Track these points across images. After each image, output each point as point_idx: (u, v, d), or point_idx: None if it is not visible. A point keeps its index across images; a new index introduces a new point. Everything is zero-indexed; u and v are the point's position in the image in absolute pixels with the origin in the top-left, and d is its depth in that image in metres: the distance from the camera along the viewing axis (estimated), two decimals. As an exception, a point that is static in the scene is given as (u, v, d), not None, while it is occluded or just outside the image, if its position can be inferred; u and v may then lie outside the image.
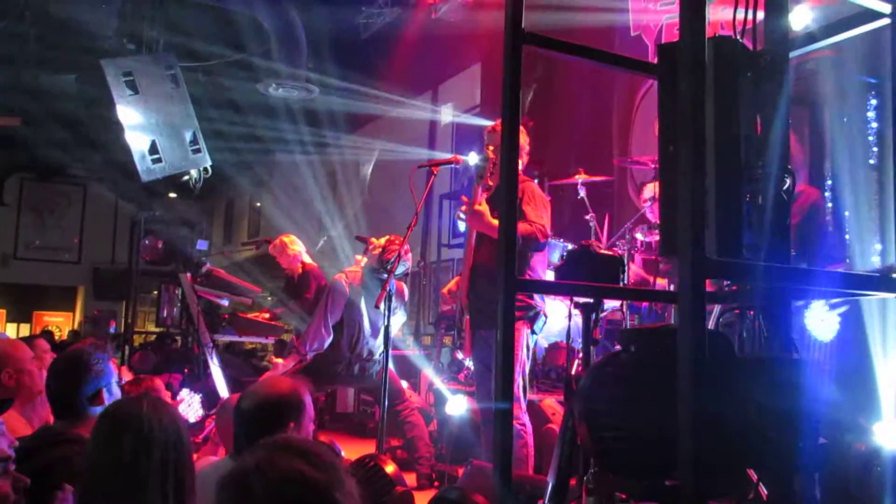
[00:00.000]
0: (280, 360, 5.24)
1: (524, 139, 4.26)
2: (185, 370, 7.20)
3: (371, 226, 9.80)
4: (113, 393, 2.72)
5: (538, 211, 4.03)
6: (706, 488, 1.72)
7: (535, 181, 4.72)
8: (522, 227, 3.87)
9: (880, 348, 3.84)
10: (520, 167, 4.23)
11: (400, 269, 4.81)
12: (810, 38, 2.40)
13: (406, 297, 5.49)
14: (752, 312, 2.26)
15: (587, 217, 5.59)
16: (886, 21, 2.14)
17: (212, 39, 8.66)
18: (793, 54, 2.37)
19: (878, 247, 4.69)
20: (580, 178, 5.62)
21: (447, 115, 10.36)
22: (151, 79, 7.18)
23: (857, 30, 2.26)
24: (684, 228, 1.73)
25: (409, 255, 5.00)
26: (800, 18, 4.54)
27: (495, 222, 3.87)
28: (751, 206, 1.97)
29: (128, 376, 4.50)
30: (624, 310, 4.66)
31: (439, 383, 6.09)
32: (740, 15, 2.09)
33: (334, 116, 10.32)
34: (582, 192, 5.66)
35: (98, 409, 2.68)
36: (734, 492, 2.01)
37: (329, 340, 5.03)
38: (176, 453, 1.83)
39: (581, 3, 6.68)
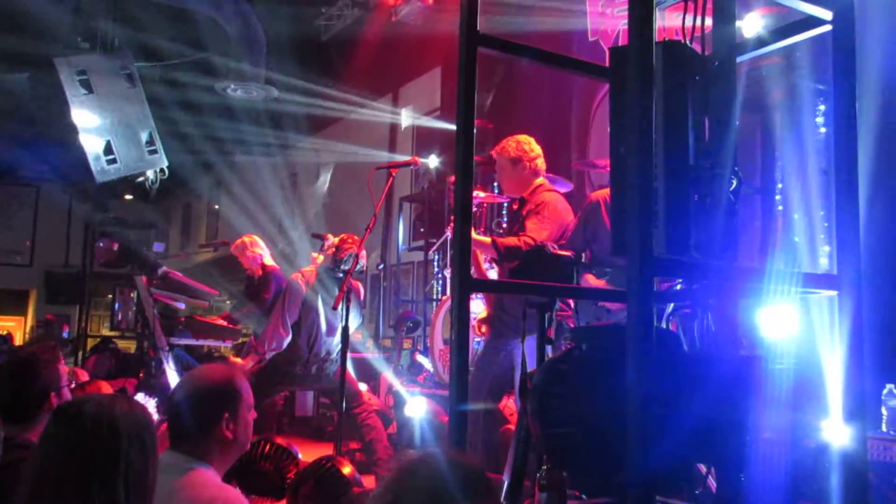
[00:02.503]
0: (238, 360, 5.19)
1: (523, 149, 4.28)
2: (141, 374, 7.08)
3: (331, 228, 9.73)
4: (63, 397, 2.68)
5: (541, 224, 4.06)
6: (655, 483, 1.76)
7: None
8: (511, 239, 3.99)
9: (827, 346, 3.94)
10: (540, 179, 4.33)
11: (348, 266, 4.82)
12: (757, 42, 2.47)
13: (362, 297, 5.48)
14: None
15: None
16: (828, 27, 2.20)
17: (169, 39, 8.55)
18: (741, 58, 2.44)
19: (827, 248, 4.82)
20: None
21: (407, 117, 10.37)
22: (107, 78, 7.07)
23: (801, 35, 2.32)
24: (633, 228, 1.76)
25: (364, 251, 5.01)
26: (751, 26, 4.64)
27: (477, 237, 3.97)
28: (699, 207, 2.01)
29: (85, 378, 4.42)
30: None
31: (399, 386, 6.09)
32: (689, 22, 2.14)
33: (294, 118, 10.25)
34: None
35: (48, 414, 2.63)
36: (683, 486, 2.05)
37: (288, 340, 5.01)
38: (115, 457, 1.77)
39: (540, 8, 6.74)
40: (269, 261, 6.82)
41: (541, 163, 4.34)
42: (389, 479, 1.38)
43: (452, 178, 4.36)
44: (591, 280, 3.97)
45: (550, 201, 4.22)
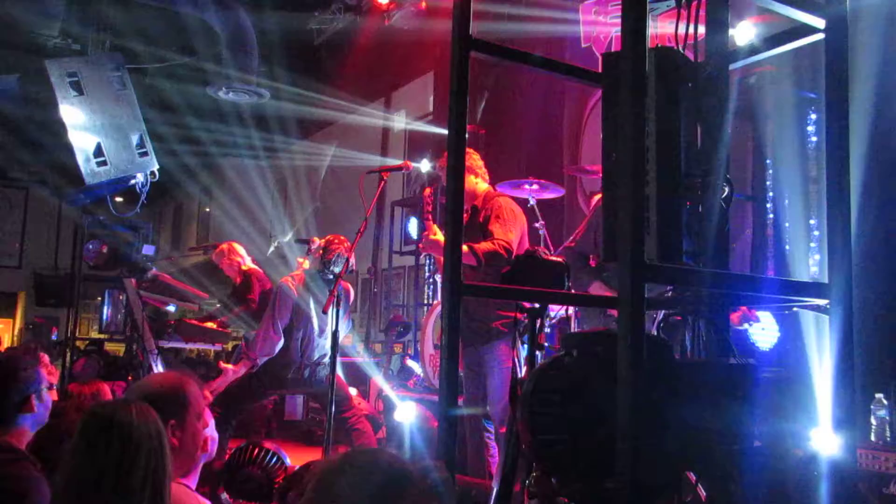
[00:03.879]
0: (230, 366, 5.12)
1: (471, 160, 4.40)
2: (129, 377, 7.04)
3: (322, 232, 9.71)
4: (43, 399, 2.64)
5: (505, 227, 4.16)
6: (645, 490, 1.75)
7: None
8: (485, 245, 4.04)
9: (817, 355, 3.95)
10: (485, 186, 4.45)
11: (338, 268, 4.82)
12: (749, 50, 2.47)
13: (352, 300, 5.45)
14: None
15: (536, 225, 5.64)
16: (820, 36, 2.20)
17: (161, 41, 8.52)
18: (733, 66, 2.44)
19: (817, 257, 4.83)
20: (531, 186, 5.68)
21: (400, 122, 10.37)
22: (97, 80, 7.04)
23: (793, 44, 2.33)
24: (625, 234, 1.75)
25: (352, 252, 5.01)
26: (743, 34, 4.66)
27: None
28: (690, 214, 2.01)
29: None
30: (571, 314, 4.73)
31: (389, 390, 6.08)
32: (682, 29, 2.14)
33: (286, 122, 10.24)
34: (532, 201, 5.71)
35: (27, 416, 2.60)
36: (673, 494, 2.04)
37: (280, 344, 4.96)
38: (158, 459, 1.80)
39: (533, 14, 6.76)
40: (247, 265, 6.84)
41: (483, 171, 4.48)
42: (309, 492, 1.36)
43: (428, 190, 4.43)
44: (601, 290, 3.95)
45: (506, 205, 4.32)
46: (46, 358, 4.07)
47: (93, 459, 1.75)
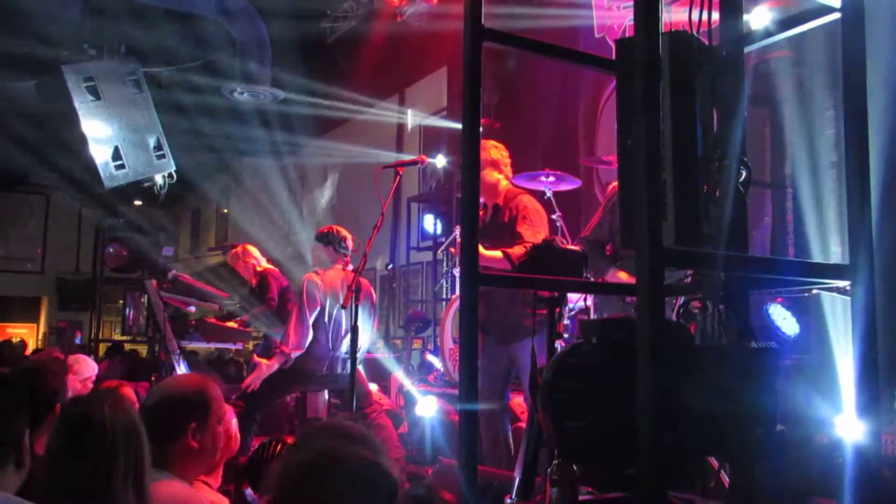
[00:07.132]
0: (265, 361, 5.10)
1: (500, 154, 4.35)
2: (153, 378, 7.11)
3: (339, 230, 9.74)
4: None
5: (534, 228, 4.11)
6: (667, 477, 1.74)
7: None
8: (518, 249, 3.93)
9: (840, 341, 3.91)
10: (506, 183, 4.37)
11: (344, 250, 4.95)
12: (765, 33, 2.44)
13: (374, 299, 5.45)
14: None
15: (554, 216, 5.62)
16: (837, 15, 2.18)
17: (175, 44, 8.58)
18: (749, 49, 2.41)
19: (839, 249, 4.78)
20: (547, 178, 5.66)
21: (414, 118, 10.38)
22: (113, 84, 7.12)
23: (809, 24, 2.30)
24: (642, 219, 1.74)
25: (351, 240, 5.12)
26: (759, 20, 4.61)
27: (488, 253, 3.95)
28: (708, 198, 1.99)
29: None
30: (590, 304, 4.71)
31: (410, 385, 6.09)
32: (696, 15, 2.12)
33: (301, 120, 10.28)
34: (549, 193, 5.69)
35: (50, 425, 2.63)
36: (695, 480, 2.03)
37: (309, 337, 4.95)
38: (137, 451, 1.81)
39: (545, 6, 6.73)
40: (262, 266, 6.87)
41: (507, 167, 4.40)
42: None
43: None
44: (622, 277, 3.93)
45: (531, 205, 4.23)
46: (83, 359, 4.08)
47: (72, 461, 1.75)
